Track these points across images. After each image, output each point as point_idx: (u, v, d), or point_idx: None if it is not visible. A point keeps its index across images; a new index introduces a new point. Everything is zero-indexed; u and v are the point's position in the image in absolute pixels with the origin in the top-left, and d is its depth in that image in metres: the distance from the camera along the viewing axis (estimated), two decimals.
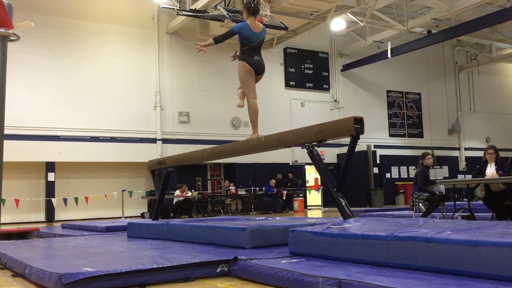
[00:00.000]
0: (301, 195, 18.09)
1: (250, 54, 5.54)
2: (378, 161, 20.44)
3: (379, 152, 20.61)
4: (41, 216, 15.40)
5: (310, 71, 20.41)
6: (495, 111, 25.09)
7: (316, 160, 4.66)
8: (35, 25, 1.82)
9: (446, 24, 18.81)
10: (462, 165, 23.57)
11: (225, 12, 13.90)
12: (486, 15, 17.01)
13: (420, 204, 8.02)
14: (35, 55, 15.15)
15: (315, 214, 16.08)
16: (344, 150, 17.03)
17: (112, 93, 16.36)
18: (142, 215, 15.22)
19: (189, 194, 15.67)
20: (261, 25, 5.68)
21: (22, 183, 15.15)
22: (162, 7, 15.56)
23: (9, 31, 1.70)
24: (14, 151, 13.53)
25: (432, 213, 7.96)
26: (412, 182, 8.71)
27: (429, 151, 8.85)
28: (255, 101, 5.68)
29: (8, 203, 13.22)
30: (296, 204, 17.45)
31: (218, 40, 5.56)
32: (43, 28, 15.02)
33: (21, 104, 14.50)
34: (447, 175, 21.49)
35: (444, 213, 7.86)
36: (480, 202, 8.44)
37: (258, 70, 5.65)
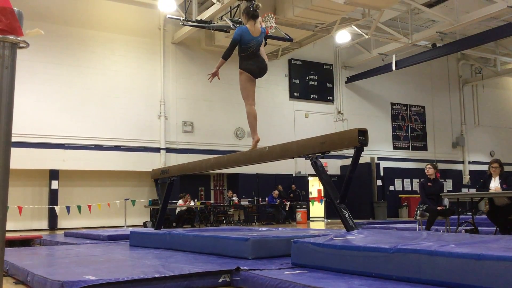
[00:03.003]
0: (304, 206, 18.05)
1: (250, 61, 5.56)
2: (381, 174, 20.38)
3: (383, 164, 20.57)
4: (44, 224, 15.40)
5: (315, 83, 20.46)
6: (500, 125, 25.04)
7: (320, 172, 4.66)
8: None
9: (451, 38, 18.86)
10: (466, 178, 23.48)
11: (230, 23, 13.98)
12: (491, 29, 17.05)
13: (417, 216, 8.01)
14: (41, 63, 15.25)
15: (318, 225, 16.02)
16: (348, 162, 17.05)
17: (117, 102, 16.43)
18: (145, 224, 15.19)
19: (192, 203, 15.65)
20: (260, 28, 5.64)
21: (25, 191, 15.18)
22: (168, 17, 15.67)
23: (19, 38, 1.72)
24: (18, 159, 13.57)
25: (436, 227, 7.93)
26: (415, 195, 8.73)
27: (434, 163, 8.81)
28: (253, 107, 5.70)
29: (11, 211, 13.21)
30: (299, 215, 17.41)
31: (227, 55, 5.49)
32: (49, 36, 15.13)
33: (26, 111, 14.56)
34: (451, 189, 21.42)
35: (447, 227, 7.83)
36: (484, 216, 8.40)
37: (260, 74, 5.67)
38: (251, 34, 5.52)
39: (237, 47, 5.52)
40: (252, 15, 5.57)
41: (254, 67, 5.59)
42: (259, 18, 5.70)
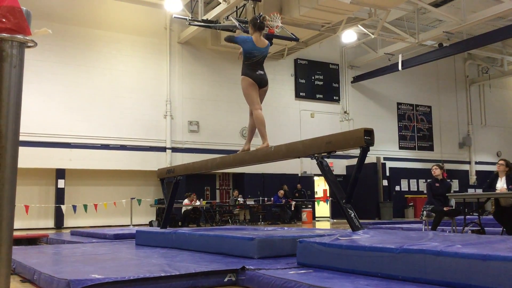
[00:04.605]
0: (309, 206, 18.03)
1: (252, 69, 5.66)
2: (387, 174, 20.33)
3: (389, 164, 20.51)
4: (50, 223, 15.47)
5: (320, 82, 20.43)
6: (506, 125, 24.92)
7: (326, 171, 4.66)
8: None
9: (457, 38, 18.77)
10: (473, 179, 23.38)
11: (236, 23, 13.96)
12: (498, 29, 16.96)
13: (423, 217, 7.99)
14: (47, 63, 15.31)
15: (323, 225, 16.01)
16: (353, 161, 17.01)
17: (123, 101, 16.48)
18: (151, 223, 15.23)
19: (198, 203, 15.67)
20: (266, 41, 5.77)
21: (32, 190, 15.24)
22: (174, 17, 15.69)
23: (27, 38, 1.73)
24: (25, 158, 13.63)
25: (442, 227, 7.90)
26: (421, 195, 8.70)
27: (440, 163, 8.81)
28: (260, 112, 5.73)
29: (18, 209, 13.27)
30: (304, 215, 17.39)
31: (226, 39, 6.00)
32: (56, 36, 15.19)
33: (32, 111, 14.62)
34: (457, 189, 21.34)
35: (454, 227, 7.80)
36: (491, 216, 8.37)
37: (261, 84, 5.74)
38: (256, 44, 5.63)
39: (243, 56, 5.70)
40: (259, 26, 5.69)
41: (254, 74, 5.67)
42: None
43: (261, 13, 6.01)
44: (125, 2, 16.77)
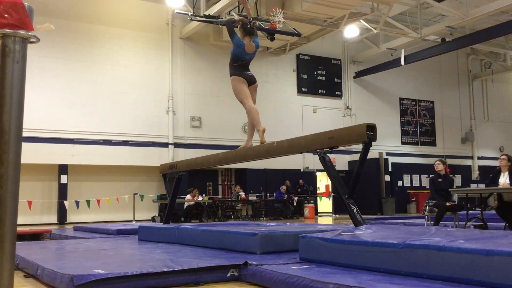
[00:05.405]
0: (311, 201, 18.04)
1: (241, 70, 5.87)
2: (390, 169, 20.32)
3: (391, 159, 20.49)
4: (53, 218, 15.51)
5: (323, 78, 20.39)
6: (509, 120, 24.85)
7: (328, 167, 4.66)
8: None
9: (460, 32, 18.70)
10: (475, 174, 23.35)
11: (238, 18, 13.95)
12: (501, 24, 16.90)
13: (426, 212, 7.99)
14: (50, 59, 15.31)
15: (325, 220, 16.00)
16: (356, 157, 17.00)
17: (126, 97, 16.48)
18: (153, 219, 15.26)
19: (200, 198, 15.70)
20: (254, 46, 5.91)
21: (35, 185, 15.27)
22: (176, 12, 15.65)
23: (30, 33, 1.73)
24: (28, 154, 13.60)
25: (445, 222, 7.90)
26: (424, 191, 8.69)
27: (443, 159, 8.79)
28: (253, 105, 5.89)
29: (21, 205, 13.18)
30: (306, 211, 17.40)
31: (228, 25, 5.99)
32: (58, 32, 15.18)
33: (35, 106, 14.62)
34: (460, 184, 21.32)
35: (456, 222, 7.80)
36: (493, 211, 8.36)
37: (251, 81, 5.95)
38: (246, 51, 5.82)
39: (231, 57, 5.88)
40: (249, 31, 5.85)
41: (243, 73, 5.89)
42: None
43: (251, 19, 6.09)
44: None
